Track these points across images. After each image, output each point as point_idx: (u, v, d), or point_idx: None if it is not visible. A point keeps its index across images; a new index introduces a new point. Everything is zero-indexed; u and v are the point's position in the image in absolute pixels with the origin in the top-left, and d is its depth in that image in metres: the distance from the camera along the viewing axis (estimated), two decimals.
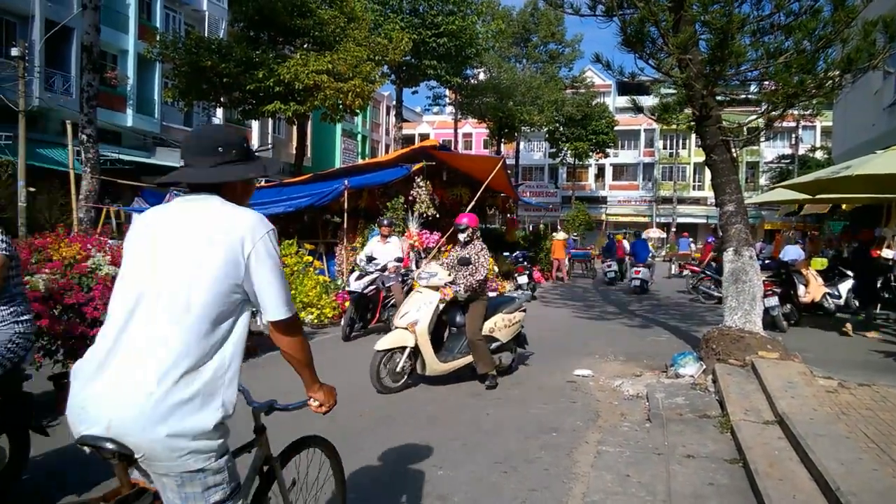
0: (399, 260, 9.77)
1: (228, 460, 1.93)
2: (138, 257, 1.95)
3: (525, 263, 16.51)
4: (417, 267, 13.06)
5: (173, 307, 1.83)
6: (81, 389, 1.84)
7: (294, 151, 26.04)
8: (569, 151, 46.64)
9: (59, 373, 5.80)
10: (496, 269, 15.29)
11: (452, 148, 29.22)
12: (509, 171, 18.42)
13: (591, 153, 47.17)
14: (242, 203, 2.06)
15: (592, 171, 58.40)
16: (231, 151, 2.03)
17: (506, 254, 17.32)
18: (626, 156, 57.70)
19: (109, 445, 1.79)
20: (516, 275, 16.00)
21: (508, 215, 21.83)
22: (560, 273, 21.56)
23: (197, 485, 1.85)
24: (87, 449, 1.86)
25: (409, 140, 52.83)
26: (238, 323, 1.93)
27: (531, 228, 27.61)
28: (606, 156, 51.36)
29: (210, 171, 1.99)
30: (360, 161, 28.79)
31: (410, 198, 13.23)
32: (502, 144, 43.17)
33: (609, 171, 58.18)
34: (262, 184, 13.47)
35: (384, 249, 9.86)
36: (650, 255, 19.71)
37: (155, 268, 1.89)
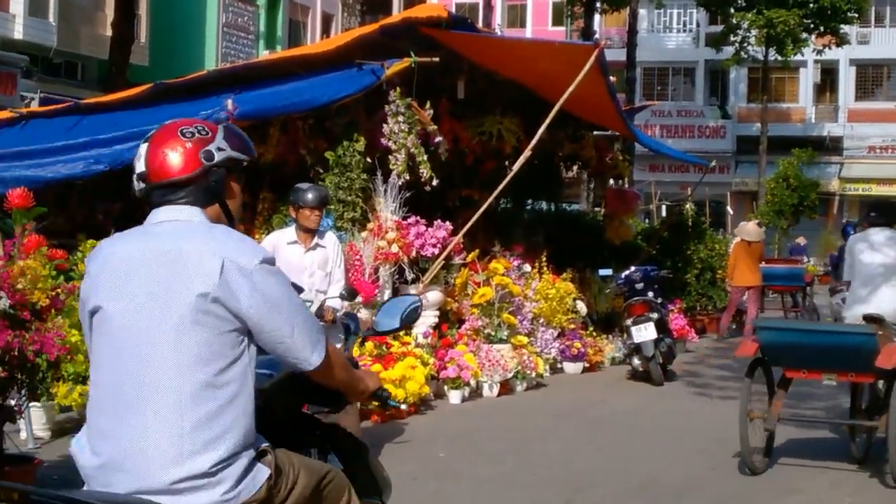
0: (350, 294, 4.75)
1: None
2: None
3: (652, 296, 8.03)
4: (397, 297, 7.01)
5: None
6: None
7: (109, 32, 13.56)
8: (752, 32, 23.23)
9: None
10: (582, 307, 8.33)
11: (480, 25, 14.76)
12: (614, 79, 9.42)
13: (805, 37, 23.22)
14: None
15: (809, 78, 29.23)
16: None
17: (602, 271, 9.35)
18: (884, 41, 28.43)
19: None
20: (629, 321, 7.66)
21: (614, 182, 12.09)
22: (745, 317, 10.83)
23: None
24: None
25: (377, 6, 25.43)
26: None
27: (664, 212, 15.29)
28: (842, 43, 24.67)
29: None
30: (265, 55, 15.39)
31: (382, 143, 6.88)
32: (597, 17, 22.64)
33: (847, 78, 29.10)
34: (36, 107, 8.29)
35: (307, 262, 4.76)
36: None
37: None
